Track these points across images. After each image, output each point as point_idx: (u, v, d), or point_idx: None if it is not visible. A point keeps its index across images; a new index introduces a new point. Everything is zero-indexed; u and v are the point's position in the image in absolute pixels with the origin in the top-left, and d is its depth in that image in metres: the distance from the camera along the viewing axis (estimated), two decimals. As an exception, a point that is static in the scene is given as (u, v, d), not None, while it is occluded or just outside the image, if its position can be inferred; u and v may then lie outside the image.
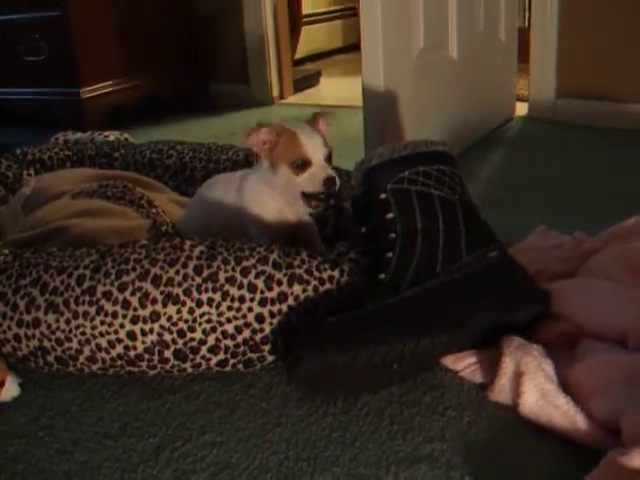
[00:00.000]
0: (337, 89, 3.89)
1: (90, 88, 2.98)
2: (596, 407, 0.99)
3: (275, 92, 3.60)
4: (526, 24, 3.53)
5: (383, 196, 1.25)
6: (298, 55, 4.28)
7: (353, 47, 4.58)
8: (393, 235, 1.22)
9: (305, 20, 4.47)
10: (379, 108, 2.00)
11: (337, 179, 1.27)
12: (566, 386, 1.05)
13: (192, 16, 3.53)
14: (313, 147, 1.27)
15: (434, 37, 2.23)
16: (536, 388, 1.03)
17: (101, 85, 3.03)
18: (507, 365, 1.08)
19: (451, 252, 1.20)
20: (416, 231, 1.21)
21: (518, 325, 1.18)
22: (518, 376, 1.06)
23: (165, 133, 2.92)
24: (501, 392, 1.08)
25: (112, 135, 2.14)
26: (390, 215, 1.23)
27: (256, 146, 1.30)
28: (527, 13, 3.52)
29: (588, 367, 1.06)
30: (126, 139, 2.14)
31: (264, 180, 1.33)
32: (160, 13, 3.33)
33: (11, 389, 1.19)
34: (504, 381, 1.07)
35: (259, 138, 1.29)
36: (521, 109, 2.97)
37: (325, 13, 5.04)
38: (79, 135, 2.14)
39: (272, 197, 1.34)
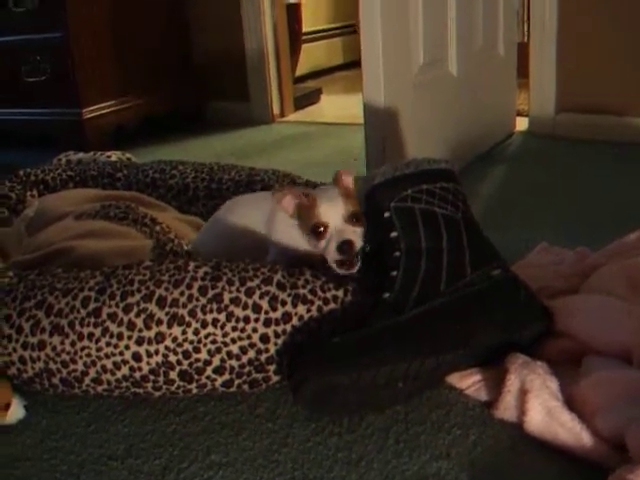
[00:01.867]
0: (338, 106, 3.90)
1: (91, 108, 2.99)
2: (601, 423, 0.99)
3: (276, 110, 3.61)
4: (525, 39, 3.54)
5: (387, 215, 1.25)
6: (299, 73, 4.29)
7: (353, 64, 4.59)
8: (397, 254, 1.22)
9: (305, 37, 4.49)
10: (380, 125, 2.00)
11: (357, 241, 1.21)
12: (571, 403, 1.05)
13: (192, 35, 3.55)
14: (328, 209, 1.22)
15: (434, 53, 2.24)
16: (541, 405, 1.03)
17: (102, 105, 3.05)
18: (512, 383, 1.08)
19: (455, 270, 1.20)
20: (420, 250, 1.21)
21: (522, 343, 1.18)
22: (523, 394, 1.06)
23: (167, 152, 2.93)
24: (506, 410, 1.08)
25: (114, 155, 2.14)
26: (394, 234, 1.23)
27: (289, 211, 1.27)
28: (526, 27, 3.53)
29: (592, 384, 1.06)
30: (128, 159, 2.14)
31: None
32: (159, 32, 3.36)
33: (16, 411, 1.19)
34: (509, 399, 1.07)
35: (288, 203, 1.26)
36: (521, 124, 2.98)
37: (325, 30, 5.06)
38: (81, 155, 2.15)
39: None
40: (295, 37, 3.93)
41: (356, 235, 1.22)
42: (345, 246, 1.20)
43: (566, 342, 1.19)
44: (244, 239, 1.36)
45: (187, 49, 3.52)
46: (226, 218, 1.43)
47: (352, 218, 1.23)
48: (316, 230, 1.22)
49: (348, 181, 1.28)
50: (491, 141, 2.73)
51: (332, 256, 1.22)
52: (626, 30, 2.65)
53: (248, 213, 1.39)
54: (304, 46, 4.33)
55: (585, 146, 2.67)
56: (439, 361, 1.10)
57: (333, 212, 1.22)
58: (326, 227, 1.22)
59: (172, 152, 2.95)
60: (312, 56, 4.71)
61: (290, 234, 1.29)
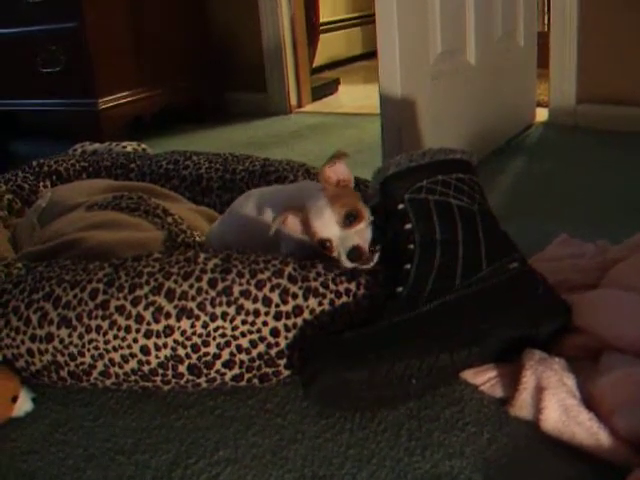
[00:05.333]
0: (356, 97, 3.87)
1: (107, 99, 2.98)
2: (619, 423, 0.96)
3: (293, 101, 3.59)
4: (546, 28, 3.49)
5: (401, 206, 1.22)
6: (317, 63, 4.27)
7: (373, 54, 4.55)
8: (411, 246, 1.19)
9: (324, 28, 4.46)
10: (397, 115, 1.98)
11: (362, 240, 1.18)
12: (589, 401, 1.02)
13: (209, 25, 3.53)
14: (322, 224, 1.19)
15: (451, 43, 2.21)
16: (558, 404, 1.01)
17: (118, 96, 3.03)
18: (528, 379, 1.05)
19: (470, 263, 1.17)
20: (435, 242, 1.19)
21: (539, 338, 1.15)
22: (539, 391, 1.03)
23: (183, 143, 2.92)
24: (522, 407, 1.05)
25: (130, 146, 2.14)
26: (408, 226, 1.21)
27: (295, 232, 1.24)
28: (547, 17, 3.48)
29: (610, 382, 1.03)
30: (144, 150, 2.13)
31: None
32: (176, 22, 3.34)
33: (24, 404, 1.18)
34: (525, 396, 1.05)
35: (293, 224, 1.23)
36: (541, 115, 2.94)
37: (344, 20, 5.04)
38: (97, 146, 2.14)
39: None
40: (312, 27, 3.91)
41: (359, 235, 1.19)
42: (354, 253, 1.18)
43: (584, 338, 1.16)
44: (259, 232, 1.33)
45: (204, 40, 3.50)
46: (241, 211, 1.40)
47: (348, 219, 1.19)
48: (322, 246, 1.20)
49: (338, 171, 1.23)
50: (510, 132, 2.69)
51: (347, 265, 1.19)
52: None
53: (263, 206, 1.37)
54: (322, 36, 4.30)
55: (606, 137, 2.62)
56: (453, 358, 1.07)
57: (326, 225, 1.19)
58: (329, 241, 1.19)
59: (189, 143, 2.94)
60: (330, 46, 4.68)
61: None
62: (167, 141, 2.99)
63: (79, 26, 2.89)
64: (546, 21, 3.53)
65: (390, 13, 1.88)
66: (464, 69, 2.31)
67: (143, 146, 2.17)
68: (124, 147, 2.13)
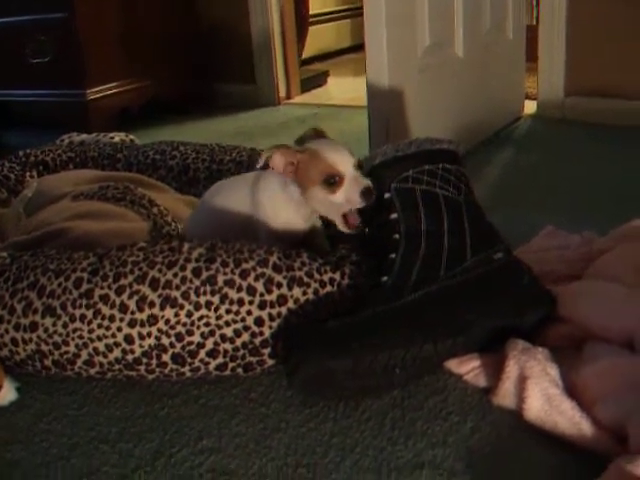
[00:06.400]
0: (345, 89, 3.86)
1: (95, 89, 2.97)
2: (602, 412, 0.97)
3: (282, 92, 3.58)
4: (534, 21, 3.49)
5: (387, 195, 1.23)
6: (306, 55, 4.26)
7: (362, 47, 4.53)
8: (397, 236, 1.20)
9: (313, 20, 4.44)
10: (384, 106, 1.98)
11: (373, 187, 1.19)
12: (572, 390, 1.02)
13: (198, 16, 3.52)
14: (341, 159, 1.20)
15: (439, 35, 2.21)
16: (541, 393, 1.01)
17: (107, 86, 3.02)
18: (511, 369, 1.06)
19: (455, 254, 1.17)
20: (420, 232, 1.19)
21: (524, 328, 1.15)
22: (522, 380, 1.03)
23: (171, 134, 2.90)
24: (505, 397, 1.05)
25: (118, 137, 2.13)
26: (394, 215, 1.21)
27: (280, 169, 1.22)
28: (535, 10, 3.48)
29: (594, 371, 1.03)
30: (132, 141, 2.12)
31: (281, 188, 1.27)
32: (165, 14, 3.32)
33: (9, 393, 1.18)
34: (508, 385, 1.05)
35: (281, 161, 1.22)
36: (530, 107, 2.94)
37: (333, 12, 5.02)
38: (84, 137, 2.13)
39: (289, 205, 1.27)
40: (302, 19, 3.89)
41: (370, 184, 1.20)
42: (368, 192, 1.18)
43: (568, 328, 1.16)
44: (231, 220, 1.34)
45: (193, 31, 3.48)
46: (212, 201, 1.40)
47: (359, 167, 1.21)
48: (330, 181, 1.19)
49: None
50: (498, 124, 2.69)
51: (350, 206, 1.20)
52: (637, 13, 2.60)
53: (233, 194, 1.36)
54: (312, 28, 4.28)
55: (594, 130, 2.63)
56: (437, 348, 1.08)
57: (345, 160, 1.20)
58: (342, 177, 1.19)
59: (177, 134, 2.92)
60: (320, 38, 4.67)
61: (276, 208, 1.28)
62: (155, 132, 2.97)
63: (68, 16, 2.87)
64: (535, 14, 3.52)
65: (378, 5, 1.88)
66: (452, 62, 2.31)
67: (131, 137, 2.16)
68: (112, 138, 2.12)
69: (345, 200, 1.19)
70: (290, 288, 1.14)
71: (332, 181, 1.19)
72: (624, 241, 1.40)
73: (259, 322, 1.13)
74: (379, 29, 1.90)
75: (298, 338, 1.10)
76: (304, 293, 1.15)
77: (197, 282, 1.13)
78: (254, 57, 3.52)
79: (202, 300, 1.12)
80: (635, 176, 2.09)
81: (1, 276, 1.22)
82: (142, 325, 1.13)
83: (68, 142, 2.09)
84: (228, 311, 1.12)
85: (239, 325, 1.13)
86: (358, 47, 4.87)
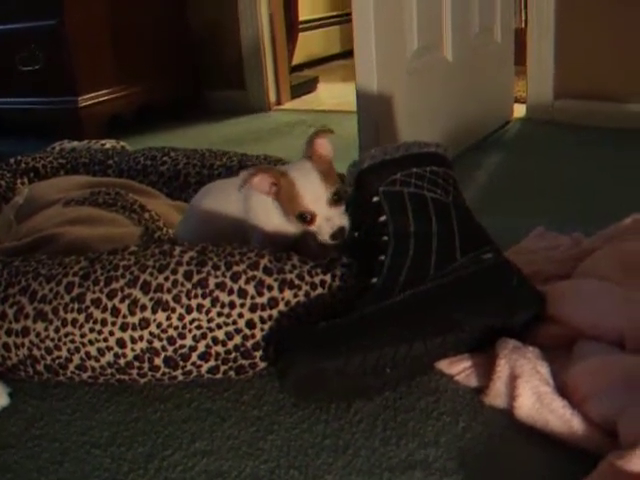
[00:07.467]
0: (335, 95, 3.87)
1: (86, 97, 2.97)
2: (592, 410, 0.97)
3: (272, 98, 3.59)
4: (523, 24, 3.51)
5: (375, 199, 1.23)
6: (296, 61, 4.26)
7: (351, 53, 4.53)
8: (386, 238, 1.20)
9: (302, 26, 4.45)
10: (373, 111, 1.98)
11: (346, 224, 1.19)
12: (562, 388, 1.03)
13: (188, 23, 3.53)
14: (313, 197, 1.19)
15: (428, 39, 2.21)
16: (532, 391, 1.01)
17: (97, 94, 3.02)
18: (502, 368, 1.06)
19: (444, 255, 1.18)
20: (409, 234, 1.19)
21: (514, 328, 1.16)
22: (513, 379, 1.04)
23: (163, 141, 2.90)
24: (496, 396, 1.06)
25: (109, 143, 2.13)
26: (383, 218, 1.22)
27: (262, 191, 1.22)
28: (524, 14, 3.50)
29: (584, 369, 1.04)
30: (123, 147, 2.13)
31: None
32: (155, 21, 3.33)
33: (1, 399, 1.17)
34: (499, 385, 1.06)
35: (263, 182, 1.21)
36: (519, 111, 2.95)
37: (323, 19, 5.03)
38: (75, 144, 2.13)
39: (279, 210, 1.26)
40: (291, 25, 3.91)
41: (342, 217, 1.20)
42: (339, 234, 1.19)
43: (558, 327, 1.17)
44: (221, 224, 1.34)
45: (184, 38, 3.50)
46: (201, 205, 1.39)
47: (334, 199, 1.20)
48: (303, 218, 1.20)
49: (323, 147, 1.24)
50: (488, 128, 2.71)
51: (324, 241, 1.20)
52: (625, 15, 2.62)
53: (222, 197, 1.36)
54: (301, 35, 4.29)
55: (583, 132, 2.64)
56: (427, 346, 1.08)
57: (317, 198, 1.19)
58: (313, 216, 1.20)
59: (168, 140, 2.92)
60: (309, 45, 4.68)
61: (268, 212, 1.27)
62: (146, 139, 2.97)
63: (59, 24, 2.88)
64: (523, 18, 3.54)
65: (367, 8, 1.89)
66: (441, 65, 2.32)
67: (122, 144, 2.16)
68: (103, 145, 2.12)
69: (318, 234, 1.20)
70: (281, 290, 1.15)
71: (305, 217, 1.20)
72: (611, 241, 1.41)
73: (250, 325, 1.13)
74: (368, 33, 1.91)
75: (288, 340, 1.11)
76: (295, 295, 1.15)
77: (188, 285, 1.13)
78: (244, 63, 3.53)
79: (193, 303, 1.12)
80: (624, 178, 2.10)
81: (-8, 282, 1.22)
82: (134, 329, 1.13)
83: (59, 149, 2.09)
84: (219, 314, 1.13)
85: (231, 328, 1.13)
86: (347, 53, 4.89)
